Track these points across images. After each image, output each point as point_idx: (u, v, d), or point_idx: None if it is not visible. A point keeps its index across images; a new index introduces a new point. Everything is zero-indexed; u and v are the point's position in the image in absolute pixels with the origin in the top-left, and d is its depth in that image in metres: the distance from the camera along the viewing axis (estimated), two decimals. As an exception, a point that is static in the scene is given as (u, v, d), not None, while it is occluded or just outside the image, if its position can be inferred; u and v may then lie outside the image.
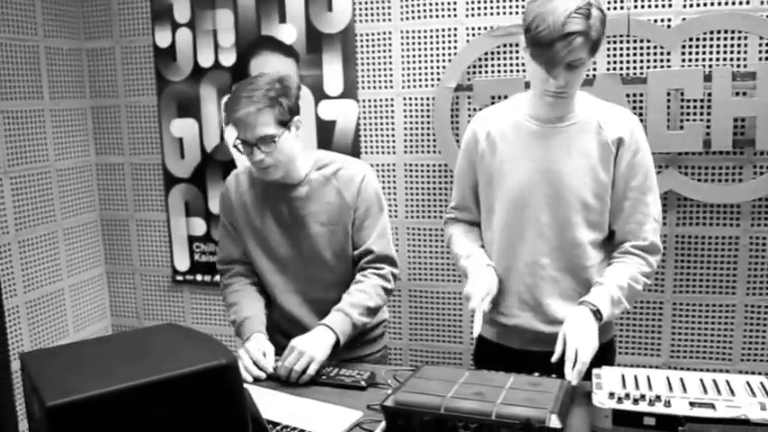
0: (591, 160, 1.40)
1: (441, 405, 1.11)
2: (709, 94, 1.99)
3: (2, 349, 2.15)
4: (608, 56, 2.10)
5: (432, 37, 2.25)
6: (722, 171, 2.07)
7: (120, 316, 2.81)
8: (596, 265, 1.45)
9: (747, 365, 2.14)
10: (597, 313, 1.34)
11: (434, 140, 2.29)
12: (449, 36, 2.23)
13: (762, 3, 1.96)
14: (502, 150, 1.45)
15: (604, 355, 1.40)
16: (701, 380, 1.18)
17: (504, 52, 2.19)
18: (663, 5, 2.04)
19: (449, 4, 2.21)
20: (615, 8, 2.07)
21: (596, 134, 1.41)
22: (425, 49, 2.26)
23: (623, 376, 1.21)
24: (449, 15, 2.22)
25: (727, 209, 2.09)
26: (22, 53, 2.37)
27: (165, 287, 2.72)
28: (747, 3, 1.98)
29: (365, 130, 2.37)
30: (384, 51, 2.30)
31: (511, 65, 2.19)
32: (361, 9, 2.30)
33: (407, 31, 2.27)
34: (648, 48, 2.07)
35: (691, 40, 2.03)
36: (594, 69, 2.09)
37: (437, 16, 2.23)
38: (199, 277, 2.64)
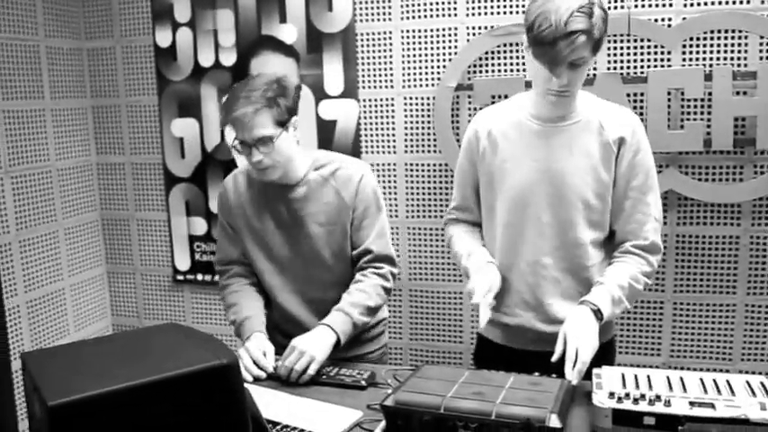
0: (592, 160, 1.40)
1: (440, 405, 1.11)
2: (710, 94, 1.98)
3: (2, 349, 2.16)
4: (608, 55, 2.10)
5: (432, 36, 2.25)
6: (723, 170, 2.07)
7: (120, 315, 2.82)
8: (597, 265, 1.45)
9: (748, 365, 2.14)
10: (598, 313, 1.34)
11: (435, 140, 2.29)
12: (449, 35, 2.23)
13: (762, 2, 1.96)
14: (503, 149, 1.45)
15: (605, 355, 1.40)
16: (701, 379, 1.18)
17: (505, 52, 2.19)
18: (663, 5, 2.04)
19: (449, 3, 2.21)
20: (616, 7, 2.07)
21: (598, 134, 1.41)
22: (426, 49, 2.26)
23: (623, 376, 1.21)
24: (449, 15, 2.22)
25: (727, 208, 2.09)
26: (23, 53, 2.37)
27: (166, 287, 2.72)
28: (748, 2, 1.97)
29: (366, 129, 2.37)
30: (384, 51, 2.30)
31: (511, 64, 2.19)
32: (361, 9, 2.30)
33: (408, 31, 2.27)
34: (649, 47, 2.07)
35: (691, 39, 2.03)
36: (595, 69, 2.09)
37: (437, 16, 2.23)
38: (199, 277, 2.64)
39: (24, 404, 2.23)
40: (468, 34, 2.21)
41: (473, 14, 2.20)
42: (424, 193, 2.34)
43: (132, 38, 2.58)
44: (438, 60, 2.25)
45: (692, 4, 2.02)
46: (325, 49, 2.34)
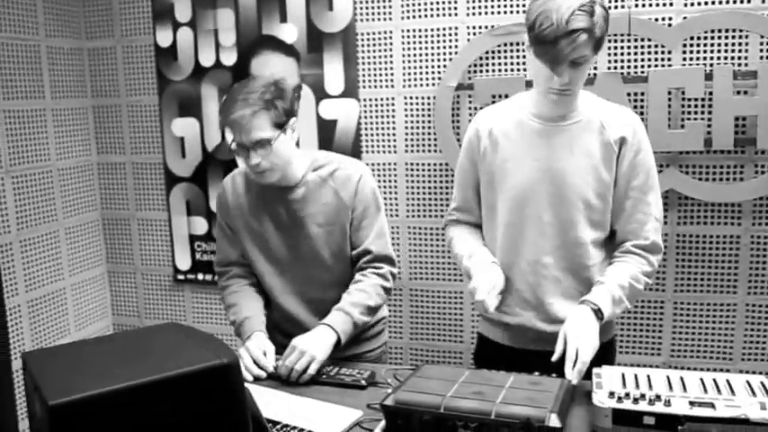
0: (593, 159, 1.40)
1: (440, 404, 1.11)
2: (710, 93, 1.98)
3: (3, 349, 2.16)
4: (609, 54, 2.10)
5: (432, 36, 2.25)
6: (723, 170, 2.06)
7: (121, 315, 2.82)
8: (598, 265, 1.45)
9: (748, 365, 2.14)
10: (598, 312, 1.34)
11: (435, 140, 2.29)
12: (450, 35, 2.23)
13: (763, 1, 1.96)
14: (504, 149, 1.45)
15: (605, 355, 1.40)
16: (702, 379, 1.18)
17: (505, 51, 2.19)
18: (664, 4, 2.04)
19: (449, 3, 2.21)
20: (616, 7, 2.06)
21: (599, 133, 1.41)
22: (426, 49, 2.26)
23: (623, 375, 1.21)
24: (450, 14, 2.22)
25: (728, 208, 2.09)
26: (24, 53, 2.37)
27: (167, 286, 2.72)
28: (748, 1, 1.97)
29: (366, 129, 2.37)
30: (385, 50, 2.30)
31: (512, 64, 2.19)
32: (361, 8, 2.30)
33: (408, 31, 2.27)
34: (649, 46, 2.06)
35: (692, 38, 2.03)
36: (595, 68, 2.09)
37: (438, 15, 2.23)
38: (200, 276, 2.65)
39: (24, 404, 2.23)
40: (469, 34, 2.21)
41: (473, 14, 2.20)
42: (424, 193, 2.34)
43: (133, 37, 2.58)
44: (438, 60, 2.25)
45: (692, 4, 2.02)
46: (326, 48, 2.34)
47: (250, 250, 1.63)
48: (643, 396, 1.10)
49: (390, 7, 2.27)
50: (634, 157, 1.41)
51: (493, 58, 2.20)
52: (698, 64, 2.03)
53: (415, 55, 2.28)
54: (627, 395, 1.11)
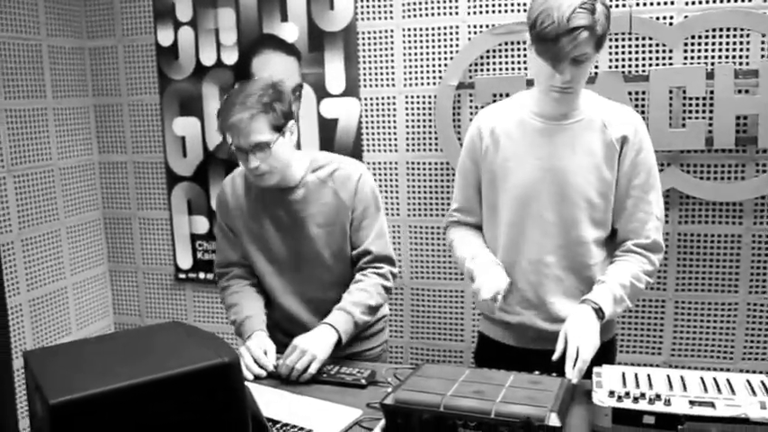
0: (596, 159, 1.40)
1: (440, 403, 1.11)
2: (712, 92, 1.98)
3: (4, 348, 2.16)
4: (610, 53, 2.10)
5: (433, 35, 2.25)
6: (724, 169, 2.06)
7: (122, 314, 2.82)
8: (599, 264, 1.45)
9: (749, 364, 2.14)
10: (599, 311, 1.34)
11: (436, 139, 2.29)
12: (450, 34, 2.23)
13: (764, 0, 1.96)
14: (506, 147, 1.45)
15: (605, 354, 1.40)
16: (702, 378, 1.18)
17: (506, 50, 2.19)
18: (665, 3, 2.03)
19: (450, 2, 2.21)
20: (617, 6, 2.06)
21: (601, 132, 1.41)
22: (427, 47, 2.26)
23: (623, 375, 1.21)
24: (450, 13, 2.22)
25: (729, 207, 2.08)
26: (25, 52, 2.38)
27: (168, 285, 2.73)
28: (749, 0, 1.97)
29: (367, 128, 2.37)
30: (386, 49, 2.30)
31: (512, 63, 2.19)
32: (362, 7, 2.30)
33: (409, 29, 2.27)
34: (650, 45, 2.06)
35: (693, 37, 2.02)
36: (597, 67, 2.09)
37: (439, 14, 2.23)
38: (201, 275, 2.65)
39: (25, 403, 2.24)
40: (470, 33, 2.21)
41: (474, 13, 2.20)
42: (425, 192, 2.34)
43: (134, 37, 2.59)
44: (439, 59, 2.25)
45: (693, 3, 2.01)
46: (327, 47, 2.34)
47: (250, 251, 1.63)
48: (643, 395, 1.10)
49: (391, 6, 2.27)
50: (635, 156, 1.41)
51: (494, 57, 2.20)
52: (699, 63, 2.03)
53: (415, 54, 2.27)
54: (627, 394, 1.11)
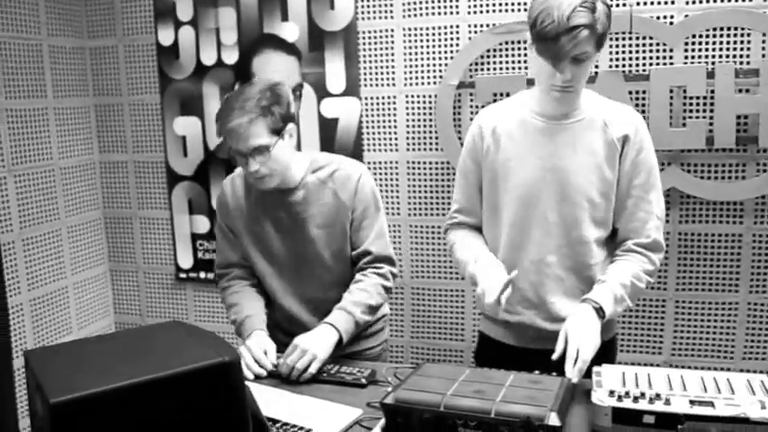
0: (597, 158, 1.40)
1: (440, 403, 1.11)
2: (712, 92, 1.98)
3: (5, 347, 2.17)
4: (610, 53, 2.10)
5: (434, 34, 2.25)
6: (725, 168, 2.06)
7: (123, 314, 2.83)
8: (600, 264, 1.45)
9: (749, 364, 2.14)
10: (600, 311, 1.34)
11: (437, 138, 2.29)
12: (451, 33, 2.23)
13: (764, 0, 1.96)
14: (507, 147, 1.45)
15: (606, 353, 1.40)
16: (702, 378, 1.18)
17: (507, 50, 2.19)
18: (665, 2, 2.03)
19: (451, 1, 2.21)
20: (618, 5, 2.06)
21: (602, 132, 1.41)
22: (427, 47, 2.26)
23: (624, 374, 1.21)
24: (451, 12, 2.22)
25: (730, 206, 2.08)
26: (26, 52, 2.38)
27: (169, 285, 2.73)
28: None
29: (368, 127, 2.37)
30: (386, 49, 2.30)
31: (513, 62, 2.19)
32: (363, 7, 2.30)
33: (409, 29, 2.27)
34: (651, 45, 2.06)
35: (693, 36, 2.02)
36: (597, 67, 2.08)
37: (439, 13, 2.23)
38: (202, 275, 2.65)
39: (25, 402, 2.24)
40: (470, 32, 2.21)
41: (475, 12, 2.20)
42: (425, 191, 2.34)
43: (135, 36, 2.59)
44: (440, 58, 2.25)
45: (694, 2, 2.01)
46: (327, 47, 2.34)
47: (251, 252, 1.63)
48: (643, 395, 1.10)
49: (391, 6, 2.27)
50: (636, 155, 1.41)
51: (494, 56, 2.20)
52: (700, 62, 2.03)
53: (416, 53, 2.27)
54: (627, 394, 1.11)
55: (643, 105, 2.06)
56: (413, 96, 2.30)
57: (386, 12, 2.28)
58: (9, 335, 2.23)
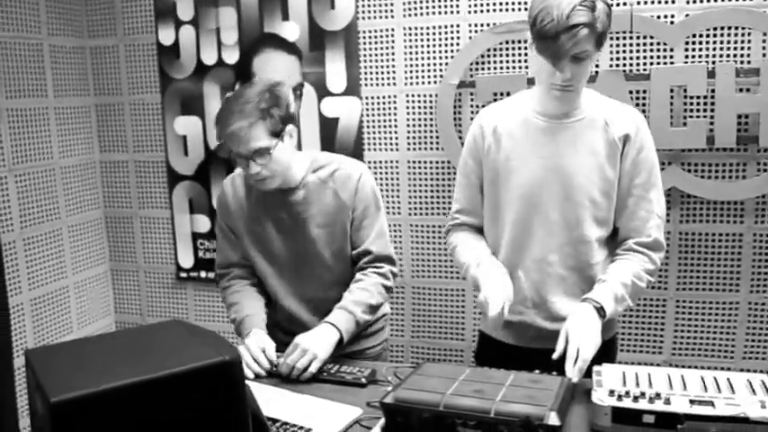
0: (598, 157, 1.40)
1: (440, 402, 1.11)
2: (713, 91, 1.98)
3: (5, 346, 2.17)
4: (611, 52, 2.10)
5: (434, 34, 2.25)
6: (726, 168, 2.06)
7: (123, 313, 2.83)
8: (601, 263, 1.45)
9: (750, 363, 2.14)
10: (601, 310, 1.34)
11: (437, 137, 2.29)
12: (451, 33, 2.23)
13: (766, -1, 1.95)
14: (508, 146, 1.45)
15: (606, 353, 1.40)
16: (702, 378, 1.18)
17: (507, 49, 2.18)
18: (666, 1, 2.03)
19: (451, 0, 2.21)
20: (618, 4, 2.06)
21: (603, 131, 1.41)
22: (428, 46, 2.26)
23: (624, 374, 1.21)
24: (451, 12, 2.22)
25: (730, 206, 2.08)
26: (27, 51, 2.38)
27: (169, 284, 2.73)
28: (751, -1, 1.97)
29: (368, 127, 2.37)
30: (387, 48, 2.30)
31: (513, 61, 2.19)
32: (363, 6, 2.30)
33: (410, 28, 2.27)
34: (652, 44, 2.06)
35: (694, 36, 2.02)
36: (597, 66, 2.08)
37: (440, 13, 2.23)
38: (203, 274, 2.66)
39: (25, 401, 2.24)
40: (471, 31, 2.21)
41: (475, 12, 2.19)
42: (426, 191, 2.34)
43: (135, 36, 2.59)
44: (440, 57, 2.25)
45: (694, 1, 2.01)
46: (328, 46, 2.34)
47: (251, 252, 1.64)
48: (643, 394, 1.10)
49: (392, 5, 2.27)
50: (637, 154, 1.41)
51: (495, 55, 2.20)
52: (700, 61, 2.03)
53: (416, 53, 2.27)
54: (627, 393, 1.11)
55: (644, 105, 2.06)
56: (413, 96, 2.30)
57: (386, 11, 2.28)
58: (10, 334, 2.23)
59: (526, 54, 2.16)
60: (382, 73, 2.32)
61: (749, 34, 1.98)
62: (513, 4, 2.16)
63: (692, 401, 1.08)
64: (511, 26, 2.13)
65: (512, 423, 1.06)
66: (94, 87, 2.68)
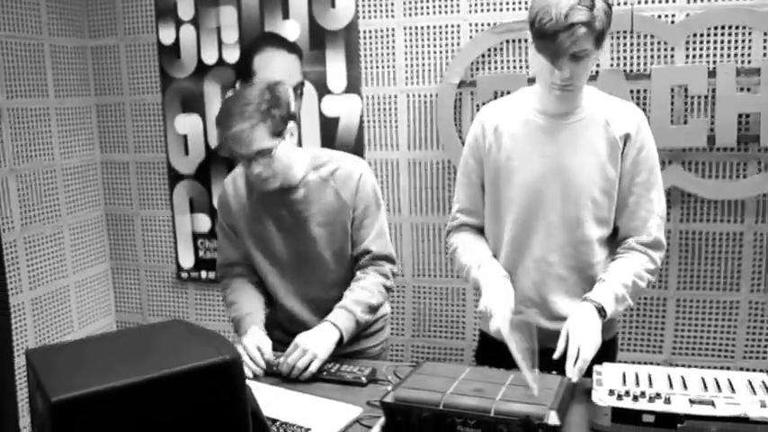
0: (599, 157, 1.40)
1: (440, 401, 1.11)
2: (714, 90, 1.98)
3: (6, 346, 2.17)
4: (612, 51, 2.10)
5: (435, 33, 2.25)
6: (726, 167, 2.06)
7: (124, 312, 2.83)
8: (602, 262, 1.45)
9: (750, 363, 2.13)
10: (601, 310, 1.33)
11: (438, 137, 2.29)
12: (452, 32, 2.23)
13: (767, -2, 1.95)
14: (509, 145, 1.45)
15: (606, 353, 1.40)
16: (702, 377, 1.18)
17: (508, 48, 2.18)
18: (667, 1, 2.03)
19: (452, 0, 2.21)
20: (619, 3, 2.06)
21: (604, 130, 1.40)
22: (428, 46, 2.26)
23: (624, 373, 1.21)
24: (452, 11, 2.22)
25: (731, 205, 2.08)
26: (28, 52, 2.38)
27: (170, 284, 2.74)
28: (752, -2, 1.96)
29: (369, 126, 2.37)
30: (387, 48, 2.30)
31: (514, 61, 2.19)
32: (364, 5, 2.30)
33: (410, 28, 2.27)
34: (652, 43, 2.06)
35: (695, 35, 2.02)
36: (598, 65, 2.08)
37: (440, 12, 2.23)
38: (203, 274, 2.66)
39: (25, 401, 2.25)
40: (471, 31, 2.21)
41: (476, 11, 2.19)
42: (426, 190, 2.34)
43: (136, 36, 2.59)
44: (441, 57, 2.25)
45: (695, 1, 2.01)
46: (328, 45, 2.34)
47: (253, 252, 1.64)
48: (643, 394, 1.10)
49: (392, 4, 2.27)
50: (637, 154, 1.41)
51: (495, 55, 2.20)
52: (701, 61, 2.02)
53: (417, 52, 2.27)
54: (626, 393, 1.11)
55: (644, 104, 2.05)
56: (414, 95, 2.30)
57: (387, 10, 2.28)
58: (11, 334, 2.23)
59: (527, 53, 2.16)
60: (383, 72, 2.32)
61: (750, 34, 1.98)
62: (513, 3, 2.15)
63: (692, 401, 1.08)
64: (511, 26, 2.13)
65: (511, 422, 1.06)
66: (95, 87, 2.68)
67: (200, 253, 2.64)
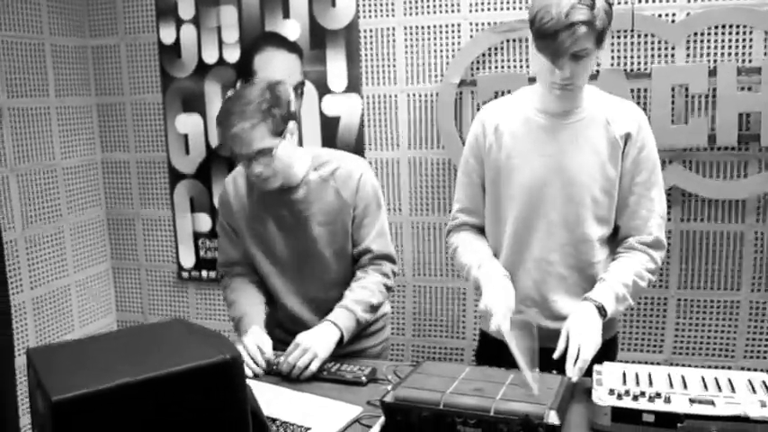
0: (600, 156, 1.40)
1: (439, 401, 1.11)
2: (714, 90, 1.98)
3: (7, 345, 2.18)
4: (612, 51, 2.09)
5: (435, 32, 2.25)
6: (727, 167, 2.06)
7: (125, 312, 2.84)
8: (602, 262, 1.45)
9: (751, 363, 2.13)
10: (602, 310, 1.33)
11: (438, 136, 2.29)
12: (452, 31, 2.23)
13: (767, -3, 1.95)
14: (510, 144, 1.45)
15: (607, 352, 1.40)
16: (703, 377, 1.18)
17: (508, 48, 2.18)
18: (667, 0, 2.02)
19: (452, -1, 2.21)
20: (620, 2, 2.06)
21: (604, 129, 1.40)
22: (429, 45, 2.26)
23: (624, 373, 1.21)
24: (452, 11, 2.22)
25: (731, 205, 2.08)
26: (28, 51, 2.39)
27: (171, 283, 2.74)
28: (753, -3, 1.96)
29: (369, 125, 2.37)
30: (388, 47, 2.30)
31: (514, 60, 2.19)
32: (364, 5, 2.30)
33: (411, 27, 2.27)
34: (653, 42, 2.06)
35: (695, 34, 2.02)
36: (598, 64, 2.08)
37: (441, 12, 2.23)
38: (204, 273, 2.66)
39: (26, 400, 2.25)
40: (472, 30, 2.20)
41: (476, 10, 2.19)
42: (427, 190, 2.35)
43: (136, 35, 2.59)
44: (441, 56, 2.25)
45: (696, 0, 2.01)
46: (329, 45, 2.34)
47: (253, 252, 1.64)
48: (643, 393, 1.10)
49: (393, 4, 2.27)
50: (638, 153, 1.41)
51: (495, 54, 2.20)
52: (702, 60, 2.02)
53: (417, 51, 2.27)
54: (627, 392, 1.11)
55: (645, 103, 2.05)
56: (414, 94, 2.30)
57: (387, 10, 2.28)
58: (11, 333, 2.24)
59: (527, 53, 2.16)
60: (383, 72, 2.32)
61: (750, 33, 1.97)
62: (513, 2, 2.15)
63: (692, 401, 1.08)
64: (512, 25, 2.13)
65: (511, 422, 1.06)
66: (96, 87, 2.69)
67: (201, 252, 2.65)
